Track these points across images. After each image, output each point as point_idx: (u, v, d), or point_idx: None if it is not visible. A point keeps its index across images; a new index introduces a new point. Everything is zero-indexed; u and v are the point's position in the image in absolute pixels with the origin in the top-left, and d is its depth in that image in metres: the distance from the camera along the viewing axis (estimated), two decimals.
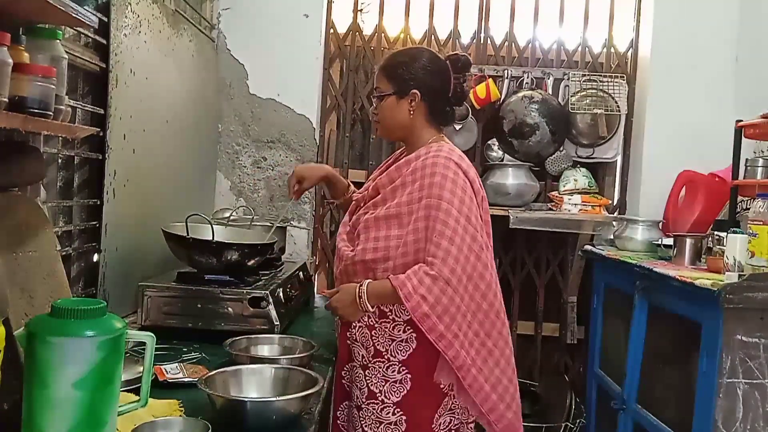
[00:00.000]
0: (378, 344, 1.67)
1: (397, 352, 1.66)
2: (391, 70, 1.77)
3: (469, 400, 1.63)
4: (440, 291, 1.55)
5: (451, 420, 1.68)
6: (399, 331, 1.66)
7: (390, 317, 1.67)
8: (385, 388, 1.66)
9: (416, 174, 1.67)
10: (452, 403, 1.67)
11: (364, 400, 1.68)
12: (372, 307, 1.65)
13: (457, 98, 1.80)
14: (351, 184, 2.09)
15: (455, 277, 1.56)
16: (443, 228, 1.58)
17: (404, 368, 1.65)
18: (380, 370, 1.67)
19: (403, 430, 1.64)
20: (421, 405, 1.65)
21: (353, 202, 1.90)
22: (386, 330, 1.67)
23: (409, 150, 1.79)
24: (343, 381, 1.78)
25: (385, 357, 1.67)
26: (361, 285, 1.66)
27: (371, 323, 1.69)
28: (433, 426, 1.65)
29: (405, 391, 1.65)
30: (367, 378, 1.68)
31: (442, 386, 1.65)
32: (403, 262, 1.62)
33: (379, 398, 1.66)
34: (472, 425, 1.74)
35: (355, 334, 1.72)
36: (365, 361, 1.69)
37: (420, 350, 1.65)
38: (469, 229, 1.60)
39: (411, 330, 1.65)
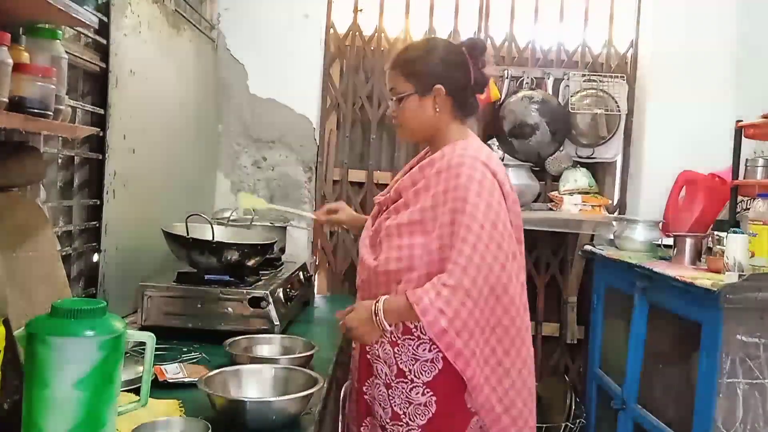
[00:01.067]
0: (401, 363, 1.56)
1: (422, 373, 1.54)
2: (407, 67, 1.62)
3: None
4: (460, 303, 1.41)
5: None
6: (424, 350, 1.54)
7: (415, 334, 1.54)
8: (409, 410, 1.56)
9: (441, 175, 1.53)
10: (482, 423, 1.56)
11: (388, 420, 1.59)
12: (390, 326, 1.51)
13: (479, 85, 1.66)
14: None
15: (476, 289, 1.42)
16: (467, 234, 1.44)
17: (429, 390, 1.54)
18: (404, 391, 1.56)
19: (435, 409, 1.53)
20: (447, 427, 1.55)
21: (375, 206, 1.76)
22: (410, 348, 1.55)
23: (434, 149, 1.65)
24: (365, 396, 1.66)
25: (409, 378, 1.55)
26: (377, 301, 1.51)
27: (394, 339, 1.57)
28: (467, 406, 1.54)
29: (430, 415, 1.54)
30: (390, 398, 1.58)
31: (469, 405, 1.54)
32: (428, 272, 1.49)
33: (404, 420, 1.56)
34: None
35: (377, 350, 1.60)
36: (388, 379, 1.58)
37: (446, 371, 1.52)
38: (495, 236, 1.45)
39: (437, 349, 1.50)
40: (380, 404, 1.61)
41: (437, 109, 1.60)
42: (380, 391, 1.61)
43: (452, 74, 1.61)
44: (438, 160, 1.57)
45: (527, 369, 1.57)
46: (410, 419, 1.55)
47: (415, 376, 1.55)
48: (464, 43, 1.67)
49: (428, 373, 1.54)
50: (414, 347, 1.54)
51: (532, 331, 3.16)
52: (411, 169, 1.70)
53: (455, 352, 1.44)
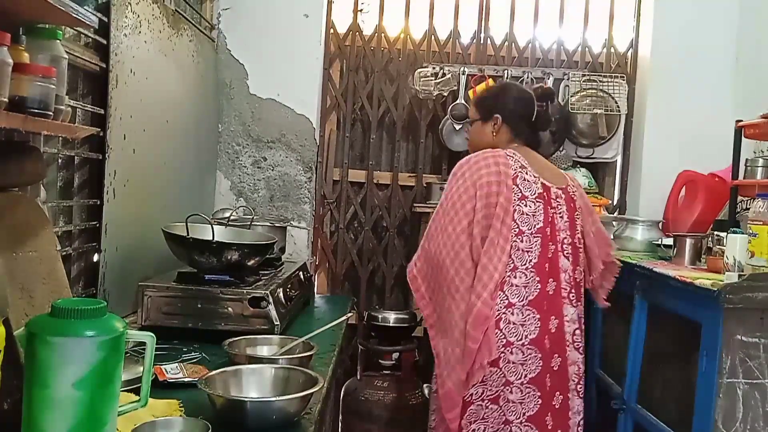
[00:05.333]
0: None
1: None
2: (480, 102, 2.08)
3: None
4: (424, 260, 1.91)
5: (485, 428, 1.83)
6: None
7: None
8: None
9: None
10: (484, 413, 1.83)
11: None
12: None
13: (541, 122, 2.05)
14: None
15: (423, 250, 1.91)
16: (434, 214, 1.91)
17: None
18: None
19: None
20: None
21: None
22: None
23: None
24: None
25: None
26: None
27: None
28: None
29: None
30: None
31: (464, 395, 1.83)
32: None
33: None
34: (517, 404, 1.83)
35: None
36: None
37: None
38: (447, 216, 1.85)
39: None
40: None
41: (494, 133, 2.02)
42: None
43: (512, 107, 2.02)
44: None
45: (459, 314, 1.82)
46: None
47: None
48: (534, 88, 2.12)
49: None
50: None
51: None
52: None
53: (419, 294, 1.92)
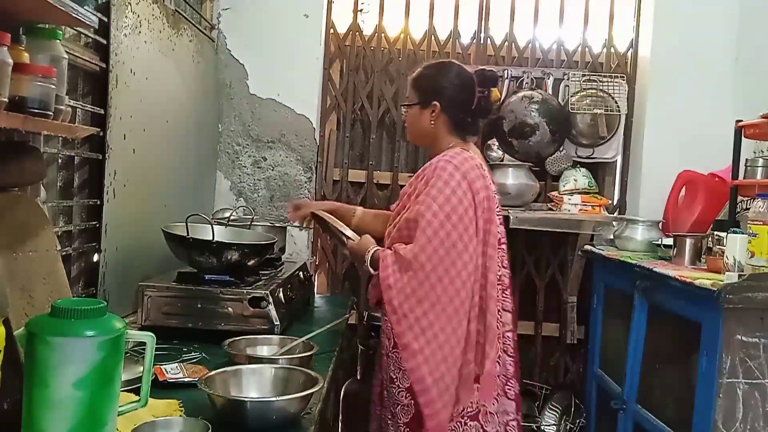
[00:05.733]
0: (391, 372, 1.78)
1: (404, 381, 1.75)
2: (417, 81, 1.90)
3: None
4: (402, 270, 1.72)
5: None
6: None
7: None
8: (397, 411, 1.77)
9: (426, 183, 1.80)
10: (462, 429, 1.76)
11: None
12: (374, 271, 1.80)
13: (481, 111, 1.91)
14: (357, 208, 2.19)
15: (417, 263, 1.70)
16: (420, 219, 1.72)
17: (409, 395, 1.74)
18: (394, 395, 1.77)
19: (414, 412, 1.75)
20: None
21: (391, 215, 1.99)
22: (396, 359, 1.76)
23: (432, 156, 1.90)
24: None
25: (396, 383, 1.77)
26: (369, 251, 1.83)
27: (385, 352, 1.80)
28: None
29: (412, 414, 1.75)
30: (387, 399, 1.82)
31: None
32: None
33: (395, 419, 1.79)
34: (495, 416, 1.81)
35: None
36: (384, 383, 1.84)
37: None
38: (446, 225, 1.71)
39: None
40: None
41: (432, 122, 1.88)
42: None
43: (453, 95, 1.86)
44: (427, 168, 1.84)
45: (460, 348, 1.73)
46: (398, 417, 1.76)
47: (400, 383, 1.75)
48: (476, 71, 1.91)
49: (407, 381, 1.74)
50: (398, 359, 1.75)
51: (531, 331, 3.17)
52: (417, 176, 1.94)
53: (392, 308, 1.71)
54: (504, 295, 1.87)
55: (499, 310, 1.84)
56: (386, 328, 1.77)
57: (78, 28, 1.65)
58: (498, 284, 1.84)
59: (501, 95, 2.99)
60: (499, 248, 1.84)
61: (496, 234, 1.84)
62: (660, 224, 2.66)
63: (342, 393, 2.87)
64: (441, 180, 1.75)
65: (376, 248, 1.84)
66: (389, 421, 1.80)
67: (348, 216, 2.13)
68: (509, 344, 1.89)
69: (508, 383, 1.87)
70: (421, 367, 1.69)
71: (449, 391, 1.71)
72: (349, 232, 1.94)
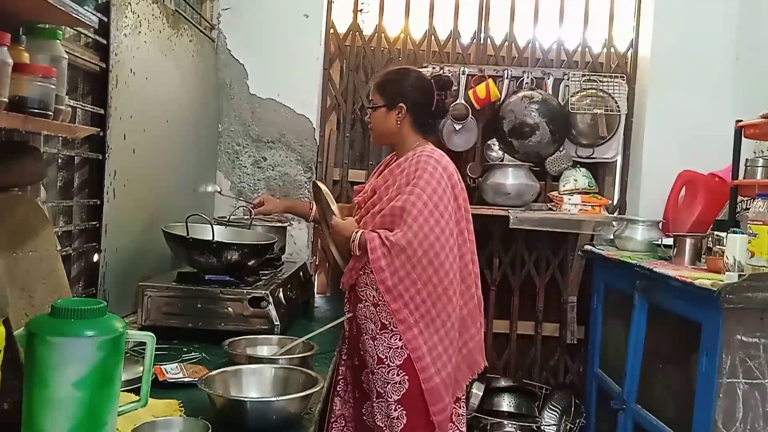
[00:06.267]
0: (380, 353, 1.92)
1: (395, 359, 1.90)
2: (382, 86, 2.08)
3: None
4: (395, 254, 1.86)
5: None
6: (396, 340, 1.90)
7: (389, 329, 1.91)
8: (387, 388, 1.91)
9: (407, 175, 1.94)
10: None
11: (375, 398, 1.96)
12: (358, 252, 1.93)
13: (439, 112, 2.12)
14: (313, 203, 2.32)
15: (411, 248, 1.85)
16: (411, 208, 1.86)
17: (402, 371, 1.89)
18: (384, 374, 1.91)
19: (405, 422, 1.89)
20: (418, 402, 1.89)
21: (355, 206, 2.16)
22: (386, 340, 1.91)
23: (399, 154, 2.09)
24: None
25: (386, 363, 1.90)
26: (356, 231, 1.95)
27: (373, 335, 1.94)
28: (431, 418, 1.89)
29: (405, 391, 1.89)
30: (372, 381, 1.96)
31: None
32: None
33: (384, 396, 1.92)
34: (464, 417, 2.05)
35: (364, 343, 1.98)
36: (370, 365, 1.95)
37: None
38: (435, 214, 1.88)
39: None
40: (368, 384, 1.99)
41: (398, 122, 2.05)
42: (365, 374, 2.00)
43: (416, 97, 2.05)
44: (403, 163, 1.99)
45: (451, 322, 1.91)
46: (388, 396, 1.90)
47: (390, 362, 1.90)
48: (434, 76, 2.13)
49: (400, 358, 1.90)
50: (389, 339, 1.90)
51: (531, 331, 3.18)
52: (381, 172, 2.14)
53: (386, 287, 1.87)
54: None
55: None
56: (370, 312, 1.93)
57: (78, 28, 1.65)
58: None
59: (501, 95, 2.99)
60: (470, 240, 2.05)
61: (471, 230, 2.05)
62: (660, 224, 2.66)
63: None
64: (426, 173, 1.91)
65: (362, 231, 1.94)
66: (375, 405, 1.93)
67: (305, 210, 2.37)
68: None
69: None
70: (417, 338, 1.87)
71: (441, 359, 1.89)
72: (335, 209, 2.04)
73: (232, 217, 2.42)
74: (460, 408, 2.03)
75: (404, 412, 1.88)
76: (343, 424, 2.10)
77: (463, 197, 2.02)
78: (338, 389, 2.11)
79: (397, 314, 1.88)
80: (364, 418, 2.01)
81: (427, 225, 1.86)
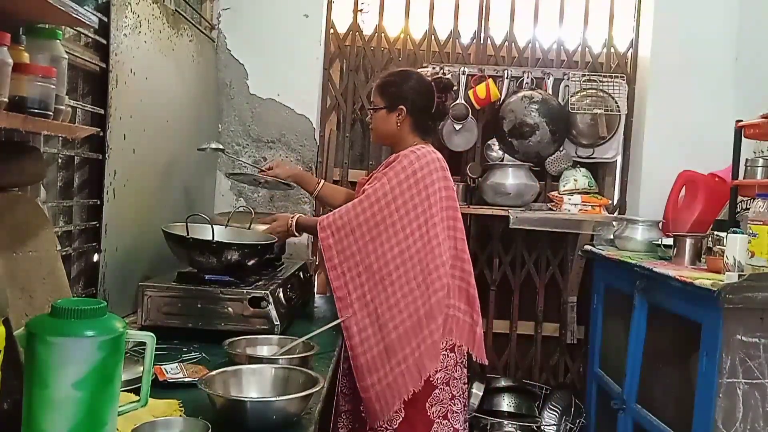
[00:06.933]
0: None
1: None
2: (383, 88, 2.11)
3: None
4: (344, 234, 1.94)
5: (440, 408, 1.99)
6: None
7: None
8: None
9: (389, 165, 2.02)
10: (441, 395, 1.99)
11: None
12: (299, 234, 2.10)
13: (439, 114, 2.17)
14: (321, 180, 2.40)
15: (357, 222, 1.93)
16: (371, 193, 1.94)
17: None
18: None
19: (403, 416, 1.94)
20: (415, 397, 1.94)
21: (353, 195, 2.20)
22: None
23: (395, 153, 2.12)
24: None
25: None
26: (293, 216, 2.11)
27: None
28: (428, 414, 1.96)
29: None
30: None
31: (431, 379, 1.96)
32: None
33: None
34: (459, 414, 2.05)
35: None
36: None
37: None
38: (391, 205, 1.93)
39: None
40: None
41: (398, 124, 2.08)
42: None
43: (416, 100, 2.08)
44: (393, 160, 2.04)
45: (387, 306, 1.92)
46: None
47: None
48: (434, 79, 2.16)
49: None
50: None
51: (531, 331, 3.17)
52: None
53: (332, 265, 1.96)
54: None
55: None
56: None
57: (78, 28, 1.65)
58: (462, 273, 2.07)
59: (501, 95, 2.99)
60: (461, 238, 2.08)
61: (462, 229, 2.08)
62: (660, 224, 2.66)
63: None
64: (400, 165, 1.97)
65: (299, 214, 2.12)
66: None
67: (312, 184, 2.37)
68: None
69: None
70: (350, 320, 1.93)
71: (369, 341, 1.92)
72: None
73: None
74: (454, 405, 2.04)
75: (402, 406, 1.91)
76: (348, 420, 2.12)
77: (445, 195, 2.03)
78: (341, 386, 2.12)
79: (336, 292, 1.95)
80: (363, 416, 2.02)
81: (371, 208, 1.92)
